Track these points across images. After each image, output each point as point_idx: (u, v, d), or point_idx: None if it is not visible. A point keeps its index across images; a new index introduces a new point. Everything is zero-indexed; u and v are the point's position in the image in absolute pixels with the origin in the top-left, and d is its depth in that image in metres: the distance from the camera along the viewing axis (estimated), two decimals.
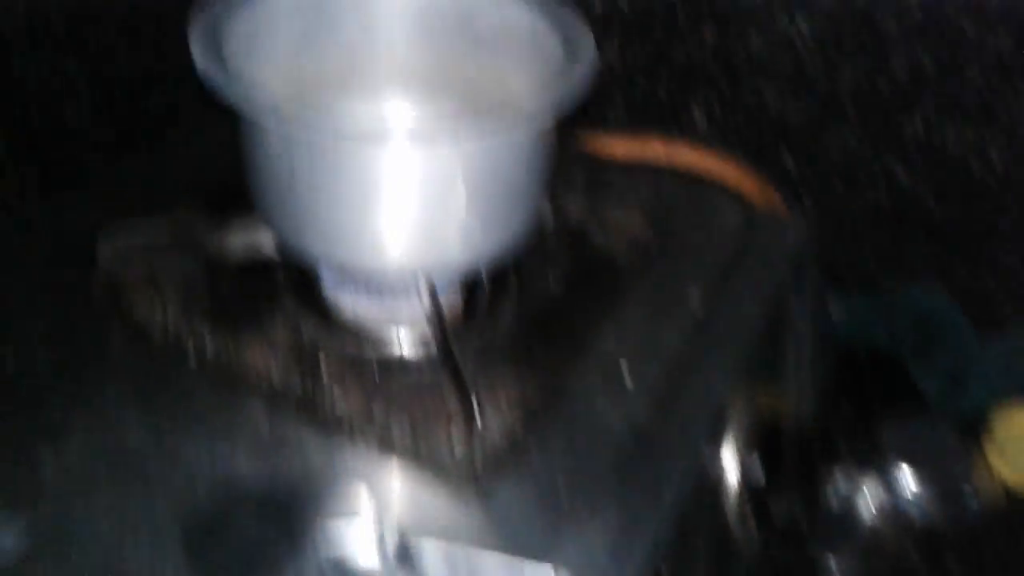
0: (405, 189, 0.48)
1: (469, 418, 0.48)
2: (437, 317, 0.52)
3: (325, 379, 0.53)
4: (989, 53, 0.73)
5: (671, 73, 0.86)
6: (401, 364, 0.55)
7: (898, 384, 0.83)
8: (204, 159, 0.69)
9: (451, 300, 0.57)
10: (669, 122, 0.87)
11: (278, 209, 0.51)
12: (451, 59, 0.60)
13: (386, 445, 0.49)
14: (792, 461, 0.55)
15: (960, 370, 0.81)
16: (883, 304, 0.83)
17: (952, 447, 0.55)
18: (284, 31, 0.57)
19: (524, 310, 0.58)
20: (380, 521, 0.43)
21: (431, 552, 0.42)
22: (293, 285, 0.59)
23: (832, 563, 0.57)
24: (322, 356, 0.55)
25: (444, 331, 0.52)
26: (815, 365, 0.68)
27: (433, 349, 0.53)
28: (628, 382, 0.52)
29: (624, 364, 0.52)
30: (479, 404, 0.49)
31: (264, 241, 0.57)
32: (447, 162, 0.47)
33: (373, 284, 0.55)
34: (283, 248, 0.55)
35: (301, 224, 0.51)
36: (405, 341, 0.56)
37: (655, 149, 0.81)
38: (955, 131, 0.76)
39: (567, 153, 0.61)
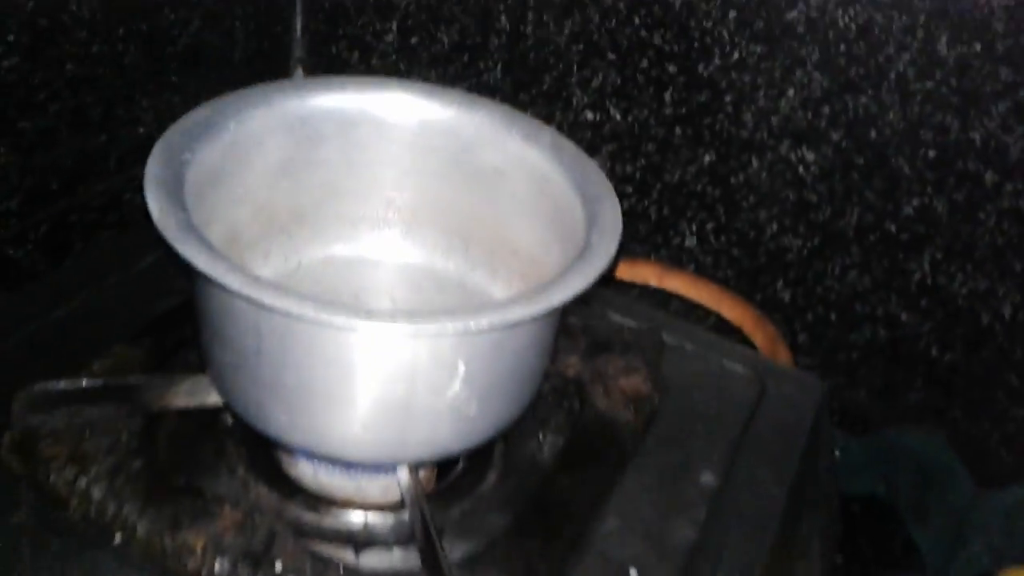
0: (390, 373, 0.40)
1: None
2: (419, 512, 0.44)
3: (279, 567, 0.45)
4: (1005, 200, 0.68)
5: (663, 190, 0.80)
6: (372, 547, 0.47)
7: (894, 538, 0.77)
8: (143, 280, 0.60)
9: (425, 472, 0.49)
10: (657, 240, 0.81)
11: (237, 382, 0.43)
12: (445, 193, 0.53)
13: None
14: None
15: (959, 525, 0.76)
16: (879, 447, 0.78)
17: None
18: (257, 160, 0.49)
19: (512, 488, 0.50)
20: None
21: None
22: (244, 445, 0.51)
23: None
24: (277, 536, 0.46)
25: (427, 527, 0.44)
26: (830, 528, 0.62)
27: (414, 538, 0.45)
28: None
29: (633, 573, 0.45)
30: None
31: (212, 399, 0.49)
32: (442, 346, 0.40)
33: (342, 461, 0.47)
34: (236, 414, 0.47)
35: (265, 403, 0.43)
36: (377, 521, 0.48)
37: (648, 273, 0.75)
38: (964, 276, 0.72)
39: None
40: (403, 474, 0.45)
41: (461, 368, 0.40)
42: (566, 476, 0.50)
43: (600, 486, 0.50)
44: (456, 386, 0.41)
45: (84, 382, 0.47)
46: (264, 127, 0.49)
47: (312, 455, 0.46)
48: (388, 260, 0.56)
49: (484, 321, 0.37)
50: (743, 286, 0.80)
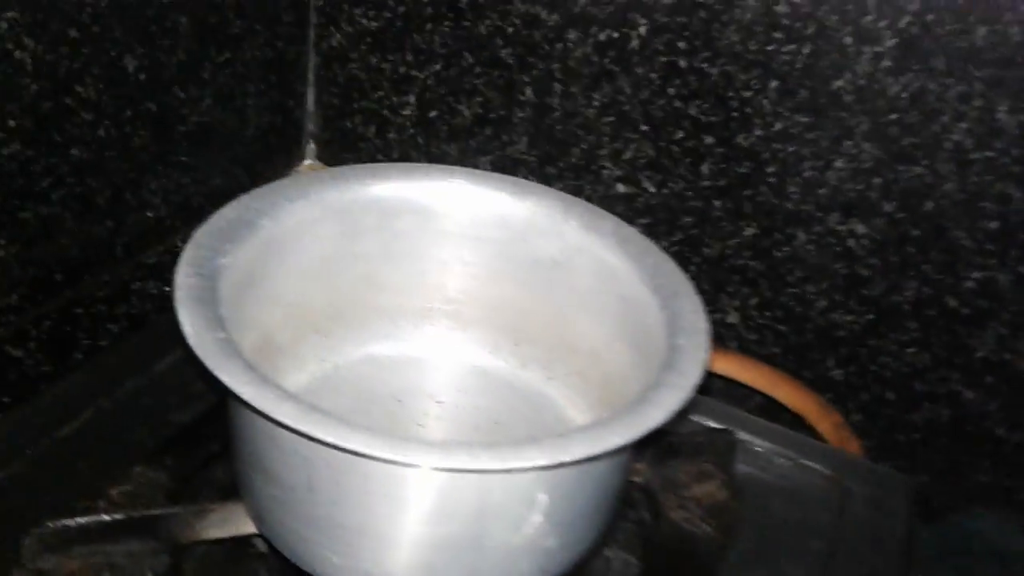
0: (462, 512, 0.35)
1: None
2: None
3: None
4: None
5: (702, 264, 0.76)
6: None
7: None
8: (160, 385, 0.55)
9: None
10: None
11: (282, 518, 0.38)
12: (494, 286, 0.49)
13: None
14: None
15: None
16: (951, 535, 0.73)
17: None
18: (291, 257, 0.45)
19: None
20: None
21: None
22: None
23: None
24: None
25: None
26: None
27: None
28: None
29: None
30: None
31: (247, 528, 0.44)
32: (523, 478, 0.35)
33: None
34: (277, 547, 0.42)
35: (315, 542, 0.37)
36: None
37: None
38: None
39: None
40: None
41: (542, 501, 0.35)
42: None
43: None
44: (536, 520, 0.36)
45: (104, 516, 0.42)
46: (300, 222, 0.44)
47: None
48: (431, 359, 0.51)
49: (578, 451, 0.32)
50: (790, 364, 0.76)
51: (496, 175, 0.48)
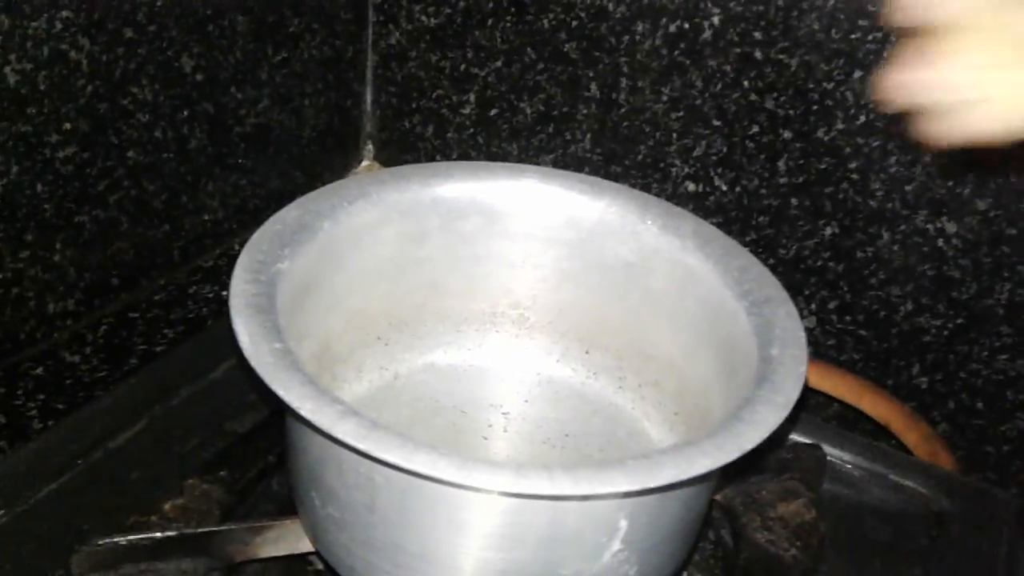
0: (537, 538, 0.32)
1: None
2: None
3: None
4: None
5: (776, 266, 0.72)
6: None
7: None
8: (215, 394, 0.53)
9: None
10: None
11: (341, 540, 0.36)
12: (563, 291, 0.46)
13: None
14: None
15: None
16: None
17: None
18: (352, 262, 0.42)
19: None
20: None
21: None
22: None
23: None
24: None
25: None
26: None
27: None
28: None
29: None
30: None
31: (304, 545, 0.42)
32: (604, 503, 0.32)
33: None
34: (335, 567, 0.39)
35: (378, 567, 0.35)
36: None
37: None
38: None
39: None
40: None
41: (623, 527, 0.32)
42: None
43: None
44: (615, 547, 0.33)
45: (156, 534, 0.40)
46: (360, 224, 0.42)
47: None
48: (496, 367, 0.49)
49: (666, 475, 0.29)
50: (871, 372, 0.72)
51: (567, 173, 0.46)
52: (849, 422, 0.70)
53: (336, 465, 0.33)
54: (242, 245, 0.39)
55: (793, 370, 0.34)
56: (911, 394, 0.71)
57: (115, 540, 0.39)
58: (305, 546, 0.42)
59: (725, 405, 0.38)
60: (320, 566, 0.44)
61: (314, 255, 0.39)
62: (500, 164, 0.46)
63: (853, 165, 0.67)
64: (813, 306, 0.73)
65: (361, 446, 0.29)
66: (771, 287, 0.39)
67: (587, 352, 0.48)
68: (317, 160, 0.80)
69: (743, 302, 0.39)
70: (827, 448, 0.51)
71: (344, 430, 0.30)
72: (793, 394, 0.33)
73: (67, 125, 0.59)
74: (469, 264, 0.46)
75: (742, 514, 0.46)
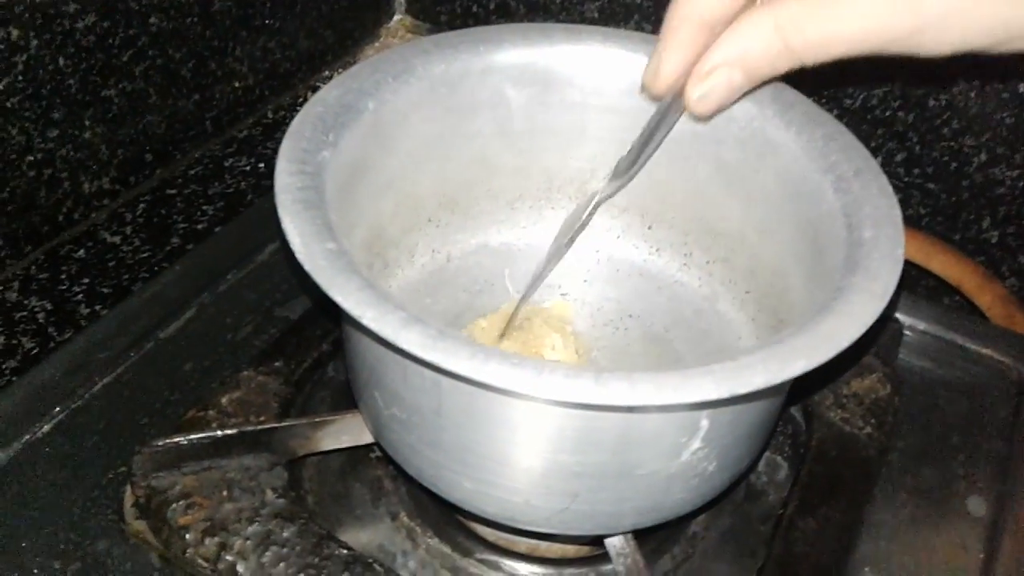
0: (614, 442, 0.31)
1: None
2: None
3: None
4: None
5: (841, 117, 0.67)
6: None
7: None
8: (263, 278, 0.51)
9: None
10: None
11: (407, 441, 0.34)
12: (650, 175, 0.42)
13: None
14: None
15: None
16: None
17: None
18: (400, 142, 0.39)
19: (731, 532, 0.41)
20: None
21: None
22: (403, 483, 0.43)
23: None
24: None
25: None
26: None
27: None
28: None
29: None
30: None
31: (365, 437, 0.41)
32: (673, 412, 0.30)
33: None
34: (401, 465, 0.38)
35: (446, 467, 0.34)
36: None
37: None
38: None
39: None
40: (616, 539, 0.36)
41: (704, 426, 0.31)
42: (799, 513, 0.40)
43: (844, 526, 0.40)
44: (695, 446, 0.31)
45: (217, 432, 0.39)
46: (407, 101, 0.39)
47: (506, 528, 0.37)
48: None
49: (758, 380, 0.27)
50: (938, 227, 0.68)
51: (630, 33, 0.41)
52: (910, 279, 0.68)
53: (400, 370, 0.32)
54: (275, 112, 0.36)
55: (890, 253, 0.31)
56: (978, 249, 0.68)
57: (176, 440, 0.38)
58: (367, 437, 0.41)
59: (808, 289, 0.35)
60: (382, 454, 0.44)
61: (360, 138, 0.36)
62: (556, 25, 0.41)
63: None
64: (879, 159, 0.68)
65: (428, 357, 0.27)
66: (861, 158, 0.36)
67: (650, 228, 0.45)
68: (347, 17, 0.76)
69: (829, 176, 0.35)
70: (900, 317, 0.49)
71: (409, 339, 0.28)
72: (892, 282, 0.30)
73: None
74: (522, 139, 0.43)
75: (813, 392, 0.44)
